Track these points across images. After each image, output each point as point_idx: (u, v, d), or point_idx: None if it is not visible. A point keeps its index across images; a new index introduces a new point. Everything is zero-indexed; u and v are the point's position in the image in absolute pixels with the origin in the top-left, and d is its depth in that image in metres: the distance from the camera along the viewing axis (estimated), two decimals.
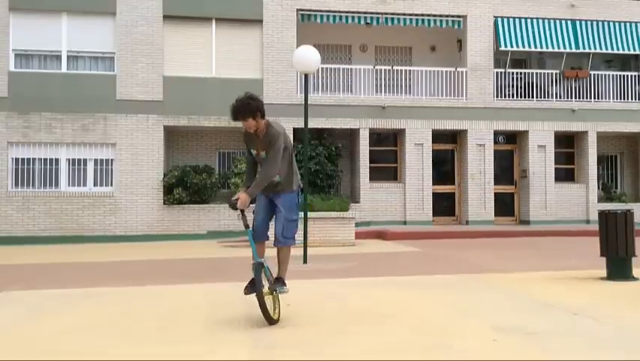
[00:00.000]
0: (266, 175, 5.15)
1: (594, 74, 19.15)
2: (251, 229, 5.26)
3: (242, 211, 5.14)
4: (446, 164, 18.95)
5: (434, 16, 18.20)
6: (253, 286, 5.09)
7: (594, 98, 19.09)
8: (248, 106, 5.15)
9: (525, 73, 19.26)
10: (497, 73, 18.79)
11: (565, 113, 18.66)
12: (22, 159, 16.42)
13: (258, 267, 5.11)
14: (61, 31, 16.70)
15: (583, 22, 18.77)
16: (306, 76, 10.76)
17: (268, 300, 5.20)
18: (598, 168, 19.16)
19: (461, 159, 18.72)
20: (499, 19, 18.45)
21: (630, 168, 20.34)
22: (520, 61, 19.99)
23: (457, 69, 18.53)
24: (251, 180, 5.35)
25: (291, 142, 5.44)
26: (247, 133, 5.34)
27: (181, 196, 16.49)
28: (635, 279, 7.70)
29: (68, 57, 16.76)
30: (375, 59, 19.30)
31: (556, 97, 19.09)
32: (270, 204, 5.36)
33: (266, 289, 5.20)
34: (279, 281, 5.34)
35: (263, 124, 5.26)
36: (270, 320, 5.17)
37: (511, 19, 18.48)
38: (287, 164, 5.31)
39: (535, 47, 18.50)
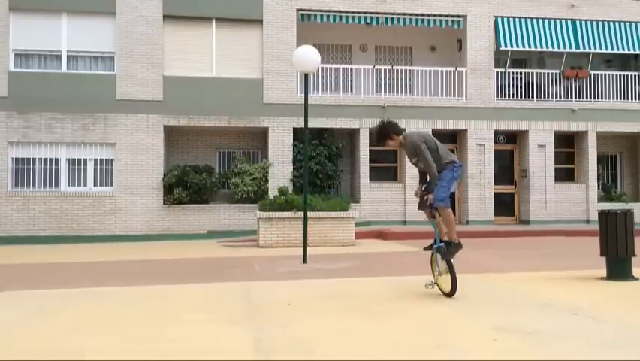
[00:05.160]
0: (430, 176, 6.39)
1: (594, 74, 19.15)
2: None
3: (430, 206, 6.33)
4: None
5: (434, 16, 18.20)
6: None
7: (594, 98, 19.10)
8: (379, 134, 6.47)
9: (525, 73, 19.26)
10: (497, 73, 18.79)
11: (565, 113, 18.67)
12: (22, 159, 16.43)
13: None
14: (61, 31, 16.71)
15: (583, 22, 18.78)
16: (306, 76, 10.76)
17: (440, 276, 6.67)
18: (598, 167, 19.15)
19: (461, 159, 18.69)
20: (499, 19, 18.45)
21: (630, 168, 20.34)
22: (520, 61, 19.99)
23: (457, 69, 18.53)
24: (422, 180, 6.67)
25: (427, 140, 6.38)
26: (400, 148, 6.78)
27: (181, 196, 16.50)
28: (635, 279, 7.70)
29: (68, 57, 16.76)
30: (375, 59, 19.30)
31: (556, 97, 19.09)
32: None
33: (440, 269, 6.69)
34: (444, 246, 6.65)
35: (400, 140, 6.47)
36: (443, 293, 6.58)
37: (511, 19, 18.48)
38: (434, 157, 6.31)
39: (535, 46, 18.50)
